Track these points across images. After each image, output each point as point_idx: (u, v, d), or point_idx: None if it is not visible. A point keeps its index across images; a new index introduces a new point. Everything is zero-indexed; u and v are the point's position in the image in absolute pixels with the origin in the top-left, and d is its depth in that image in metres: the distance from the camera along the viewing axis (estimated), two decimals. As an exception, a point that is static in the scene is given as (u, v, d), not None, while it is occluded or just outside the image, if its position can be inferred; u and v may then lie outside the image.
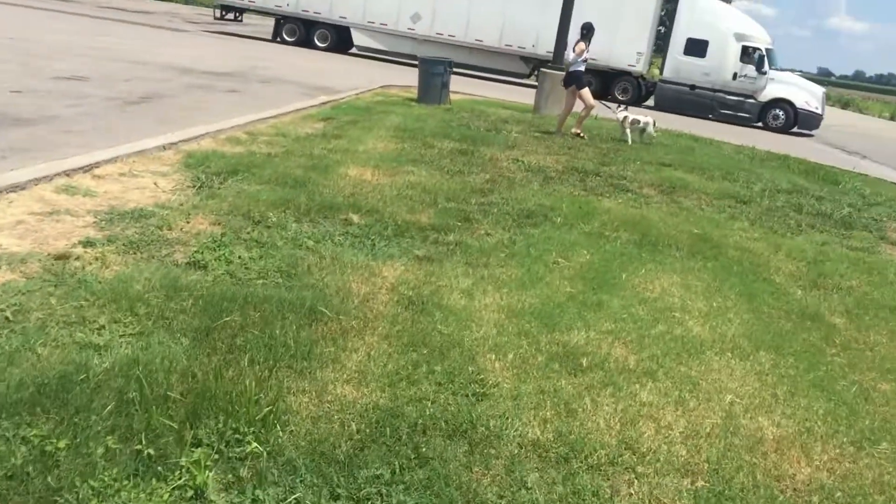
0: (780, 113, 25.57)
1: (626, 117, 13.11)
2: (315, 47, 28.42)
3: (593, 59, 27.34)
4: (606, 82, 26.74)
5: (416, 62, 26.82)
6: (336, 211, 6.19)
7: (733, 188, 9.99)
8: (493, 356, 3.89)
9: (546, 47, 26.57)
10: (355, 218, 6.10)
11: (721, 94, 25.76)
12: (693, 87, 26.07)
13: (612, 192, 8.66)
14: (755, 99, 25.61)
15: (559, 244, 6.11)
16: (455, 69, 26.55)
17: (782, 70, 27.17)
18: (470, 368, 3.72)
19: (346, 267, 4.92)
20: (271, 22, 30.80)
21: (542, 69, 17.07)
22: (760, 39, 25.81)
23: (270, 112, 11.33)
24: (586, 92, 12.92)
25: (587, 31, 12.96)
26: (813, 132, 26.02)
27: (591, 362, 3.99)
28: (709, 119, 25.15)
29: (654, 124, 13.23)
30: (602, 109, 13.26)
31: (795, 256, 6.94)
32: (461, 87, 20.53)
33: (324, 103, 13.44)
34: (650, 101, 26.64)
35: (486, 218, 6.69)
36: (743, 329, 4.86)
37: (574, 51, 12.82)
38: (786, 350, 4.60)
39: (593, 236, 6.56)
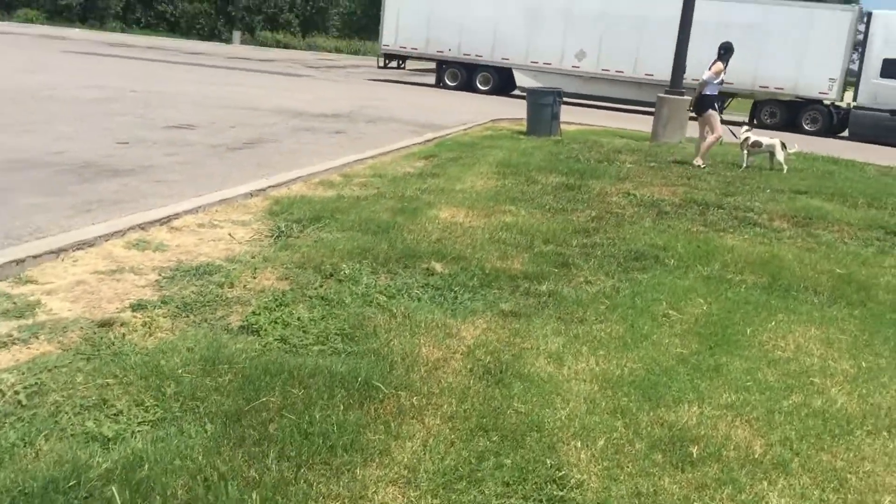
0: None
1: (746, 138, 11.96)
2: (477, 90, 28.63)
3: (779, 89, 26.65)
4: (793, 112, 25.38)
5: (582, 101, 27.47)
6: (418, 259, 5.62)
7: (881, 217, 8.77)
8: (580, 443, 3.17)
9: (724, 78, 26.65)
10: (438, 267, 5.51)
11: None
12: (893, 112, 23.68)
13: (737, 226, 7.71)
14: None
15: (671, 292, 5.29)
16: (622, 105, 27.17)
17: None
18: (548, 461, 3.02)
19: (418, 327, 4.33)
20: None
21: (659, 94, 16.07)
22: None
23: (371, 152, 11.02)
24: (714, 116, 11.83)
25: (725, 52, 11.93)
26: None
27: (704, 451, 3.20)
28: None
29: (785, 147, 11.99)
30: (727, 135, 12.19)
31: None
32: (578, 117, 19.84)
33: (428, 140, 13.06)
34: (844, 132, 24.88)
35: (588, 262, 5.95)
36: (903, 399, 3.92)
37: (710, 69, 11.77)
38: (962, 429, 3.64)
39: (712, 281, 5.69)
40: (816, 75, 24.39)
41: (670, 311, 4.90)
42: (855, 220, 8.42)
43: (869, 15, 24.34)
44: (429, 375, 3.73)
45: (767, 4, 26.60)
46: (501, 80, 28.57)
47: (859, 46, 24.97)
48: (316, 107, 17.03)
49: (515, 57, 27.89)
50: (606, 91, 26.58)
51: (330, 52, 56.38)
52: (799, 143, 13.22)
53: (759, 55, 24.71)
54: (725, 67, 11.80)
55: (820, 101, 24.68)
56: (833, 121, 24.81)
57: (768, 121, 25.65)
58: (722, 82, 11.95)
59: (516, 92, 28.47)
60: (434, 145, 12.53)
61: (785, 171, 11.67)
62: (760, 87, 25.39)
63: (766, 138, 12.08)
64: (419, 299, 4.86)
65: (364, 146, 11.64)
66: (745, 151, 11.99)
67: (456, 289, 5.11)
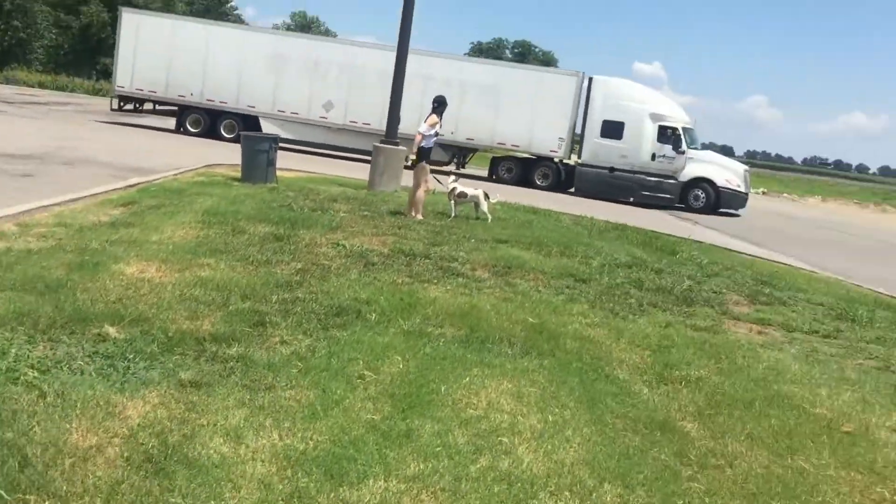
0: (701, 193, 25.33)
1: (453, 189, 12.43)
2: (222, 138, 26.94)
3: (515, 146, 27.57)
4: (527, 168, 26.78)
5: (331, 152, 26.94)
6: (89, 323, 4.93)
7: (572, 265, 9.40)
8: (246, 541, 2.79)
9: (466, 135, 26.88)
10: (112, 331, 4.86)
11: (640, 176, 25.38)
12: (612, 169, 25.63)
13: (441, 277, 7.79)
14: (675, 179, 25.27)
15: (369, 350, 5.10)
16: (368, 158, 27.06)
17: (703, 149, 27.19)
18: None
19: (72, 407, 3.70)
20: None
21: (375, 144, 16.32)
22: (677, 119, 25.82)
23: (61, 198, 9.92)
24: (426, 168, 12.06)
25: (439, 105, 12.20)
26: (739, 211, 25.76)
27: (386, 534, 2.96)
28: (630, 203, 25.10)
29: (488, 197, 12.61)
30: (437, 185, 12.57)
31: (639, 343, 6.27)
32: (303, 164, 19.58)
33: (131, 186, 12.05)
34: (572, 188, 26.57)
35: (286, 320, 5.61)
36: (584, 452, 4.00)
37: (425, 122, 12.01)
38: (634, 479, 3.76)
39: (413, 336, 5.60)
40: (547, 134, 25.95)
41: (366, 372, 4.69)
42: (549, 268, 8.93)
43: (590, 80, 26.28)
44: (74, 470, 3.14)
45: (502, 67, 28.28)
46: (248, 128, 27.17)
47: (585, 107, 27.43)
48: (2, 146, 15.14)
49: (262, 105, 27.22)
50: (355, 143, 26.41)
51: (32, 86, 51.33)
52: (501, 194, 13.99)
53: (497, 114, 26.31)
54: (440, 120, 12.16)
55: (551, 159, 26.40)
56: (561, 177, 26.51)
57: (506, 176, 27.16)
58: (437, 134, 12.29)
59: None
60: (136, 191, 11.55)
61: (489, 220, 12.23)
62: (498, 143, 26.83)
63: (471, 189, 12.62)
64: (82, 372, 4.21)
65: (54, 191, 10.45)
66: (453, 201, 12.42)
67: (130, 357, 4.51)
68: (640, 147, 25.09)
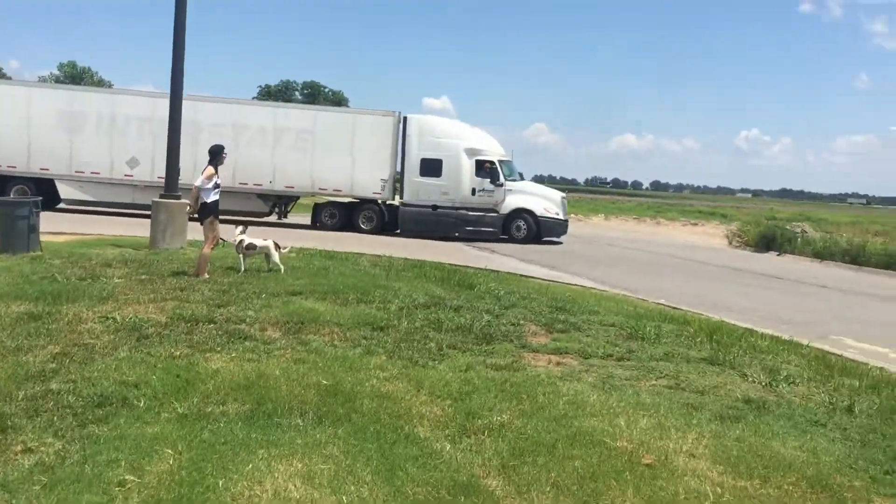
0: (522, 223, 25.47)
1: (241, 241, 11.75)
2: None
3: (337, 191, 26.49)
4: (351, 213, 26.21)
5: (125, 211, 24.65)
6: None
7: (369, 312, 9.05)
8: None
9: (284, 183, 25.95)
10: None
11: (463, 212, 25.39)
12: (435, 207, 25.51)
13: (226, 343, 7.15)
14: (497, 212, 25.40)
15: (134, 447, 4.44)
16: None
17: (521, 180, 27.16)
18: None
19: None
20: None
21: (154, 199, 15.22)
22: (493, 152, 26.00)
23: None
24: (215, 223, 11.26)
25: (213, 155, 11.36)
26: (560, 238, 26.09)
27: None
28: (455, 238, 24.89)
29: (279, 247, 12.04)
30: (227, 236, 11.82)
31: (440, 393, 5.99)
32: (83, 225, 17.93)
33: None
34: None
35: (34, 421, 4.80)
36: (382, 537, 3.60)
37: (202, 174, 11.18)
38: (438, 561, 3.41)
39: (189, 420, 4.98)
40: (369, 177, 25.55)
41: (128, 476, 4.04)
42: (345, 318, 8.52)
43: (405, 118, 26.02)
44: None
45: (316, 111, 27.36)
46: (41, 193, 24.11)
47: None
48: None
49: (57, 167, 24.88)
50: None
51: None
52: (325, 241, 13.45)
53: (315, 159, 25.67)
54: (217, 171, 11.40)
55: (374, 201, 25.88)
56: (385, 218, 26.01)
57: (329, 222, 26.40)
58: (218, 186, 11.50)
59: (63, 206, 25.13)
60: None
61: (282, 270, 11.65)
62: (320, 189, 26.08)
63: (260, 240, 11.98)
64: None
65: None
66: (242, 255, 11.74)
67: None
68: (459, 183, 25.23)
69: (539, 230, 25.53)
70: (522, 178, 27.65)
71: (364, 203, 26.26)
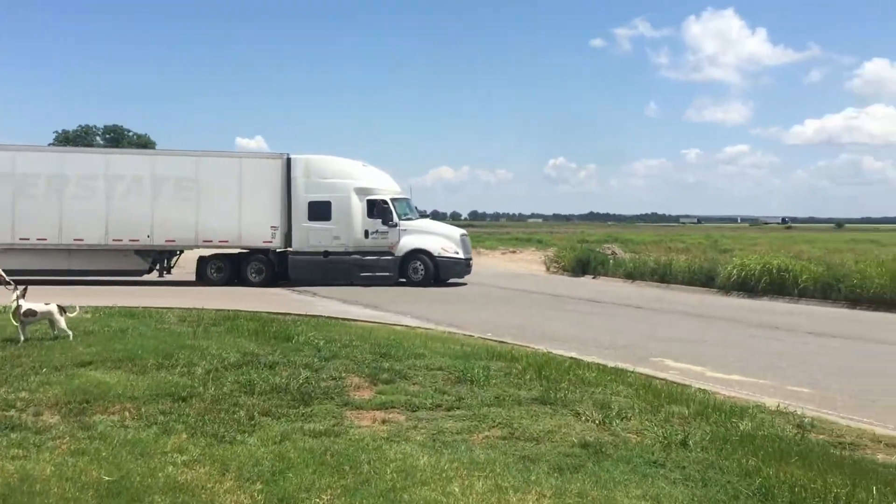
0: (420, 265, 23.99)
1: (17, 307, 10.29)
2: None
3: (224, 242, 24.03)
4: (239, 264, 24.34)
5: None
6: None
7: (170, 379, 8.01)
8: None
9: (165, 236, 23.63)
10: None
11: (357, 256, 23.92)
12: (326, 253, 23.96)
13: (-13, 438, 5.97)
14: (393, 254, 23.97)
15: None
16: (53, 278, 21.92)
17: (419, 217, 25.90)
18: None
19: None
20: None
21: None
22: (386, 190, 24.67)
23: None
24: None
25: None
26: (463, 279, 24.80)
27: None
28: (352, 285, 23.23)
29: (65, 311, 10.64)
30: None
31: (249, 476, 5.19)
32: None
33: None
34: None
35: None
36: None
37: None
38: None
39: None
40: (259, 225, 23.87)
41: None
42: (140, 391, 7.46)
43: (288, 160, 24.54)
44: None
45: (198, 157, 25.07)
46: None
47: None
48: None
49: None
50: (28, 263, 21.69)
51: None
52: (166, 299, 12.00)
53: (199, 208, 23.70)
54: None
55: (265, 251, 24.23)
56: (275, 268, 24.39)
57: (215, 275, 24.44)
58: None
59: None
60: None
61: (70, 337, 10.29)
62: (204, 241, 23.99)
63: (42, 304, 10.53)
64: None
65: None
66: (20, 322, 10.26)
67: None
68: (351, 226, 23.92)
69: (437, 271, 24.12)
70: (423, 216, 26.11)
71: (253, 253, 24.45)
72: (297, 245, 24.24)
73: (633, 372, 9.60)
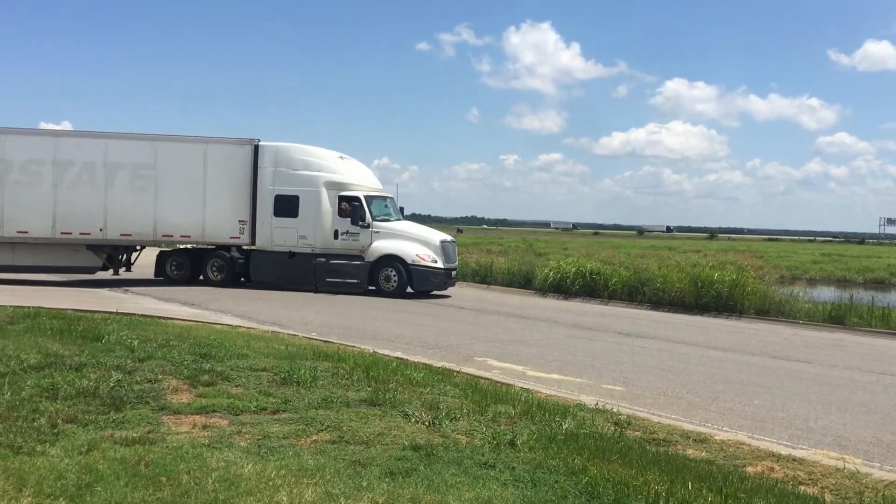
0: (392, 273, 21.21)
1: None
2: None
3: (186, 237, 21.69)
4: (199, 261, 22.30)
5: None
6: None
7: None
8: None
9: (119, 230, 20.95)
10: None
11: (323, 259, 21.48)
12: (292, 253, 21.61)
13: None
14: (363, 259, 21.45)
15: None
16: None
17: (400, 219, 23.19)
18: None
19: None
20: None
21: None
22: (362, 185, 22.23)
23: None
24: None
25: None
26: (446, 292, 22.12)
27: None
28: (317, 291, 21.09)
29: None
30: None
31: (50, 491, 4.68)
32: None
33: None
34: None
35: None
36: None
37: None
38: None
39: None
40: (225, 218, 21.67)
41: None
42: (-80, 397, 6.61)
43: (256, 147, 22.10)
44: None
45: (156, 141, 22.16)
46: None
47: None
48: None
49: None
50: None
51: None
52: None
53: (158, 199, 21.33)
54: None
55: (227, 247, 22.10)
56: (235, 268, 22.20)
57: (176, 273, 22.26)
58: None
59: None
60: None
61: None
62: (164, 235, 21.71)
63: None
64: None
65: None
66: None
67: None
68: (319, 224, 21.54)
69: (412, 281, 21.25)
70: (402, 217, 23.69)
71: (216, 250, 22.27)
72: (260, 242, 22.09)
73: (459, 372, 9.71)
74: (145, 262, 22.96)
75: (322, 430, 6.41)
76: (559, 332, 15.67)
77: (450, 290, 22.44)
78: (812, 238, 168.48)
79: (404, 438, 6.25)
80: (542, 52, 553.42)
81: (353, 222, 21.42)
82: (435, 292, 21.78)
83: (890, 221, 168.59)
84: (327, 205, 21.56)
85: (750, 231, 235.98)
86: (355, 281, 21.23)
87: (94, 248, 21.64)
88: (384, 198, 22.97)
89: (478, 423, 6.90)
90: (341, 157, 22.67)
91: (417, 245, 21.54)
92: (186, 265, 22.49)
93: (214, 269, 22.28)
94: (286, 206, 21.62)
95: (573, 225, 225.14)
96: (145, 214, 21.43)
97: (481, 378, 9.61)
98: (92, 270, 22.01)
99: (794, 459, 6.42)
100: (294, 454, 5.71)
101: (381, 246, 21.41)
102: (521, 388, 9.07)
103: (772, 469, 6.03)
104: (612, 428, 7.10)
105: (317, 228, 21.55)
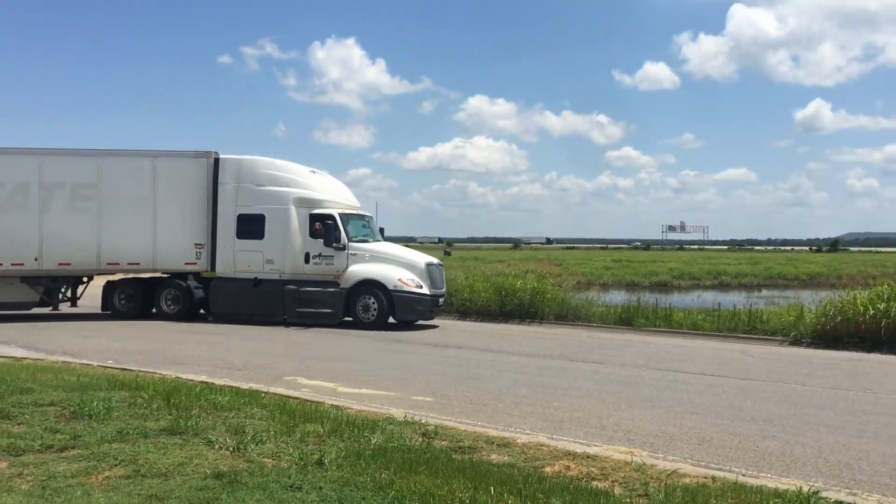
0: (371, 301, 18.40)
1: None
2: None
3: (134, 265, 18.90)
4: (151, 291, 19.79)
5: None
6: None
7: None
8: None
9: (57, 258, 18.16)
10: None
11: (293, 287, 18.76)
12: (257, 280, 19.07)
13: None
14: (338, 285, 18.67)
15: None
16: None
17: (379, 240, 20.37)
18: None
19: None
20: None
21: None
22: (336, 202, 19.60)
23: None
24: None
25: None
26: (432, 321, 19.49)
27: None
28: (286, 323, 18.58)
29: None
30: None
31: None
32: None
33: None
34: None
35: None
36: None
37: None
38: None
39: None
40: (179, 242, 19.30)
41: None
42: None
43: (216, 160, 19.51)
44: None
45: (98, 157, 19.00)
46: None
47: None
48: None
49: None
50: None
51: None
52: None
53: (102, 223, 18.95)
54: None
55: (183, 276, 19.66)
56: (193, 298, 19.58)
57: (125, 306, 19.70)
58: None
59: None
60: None
61: None
62: (109, 263, 19.21)
63: None
64: None
65: None
66: None
67: None
68: (287, 246, 18.92)
69: (393, 309, 18.54)
70: (382, 238, 20.93)
71: (170, 278, 19.70)
72: (221, 269, 19.50)
73: (267, 393, 9.48)
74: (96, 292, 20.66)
75: (115, 466, 6.02)
76: (370, 345, 15.72)
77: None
78: (605, 245, 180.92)
79: (206, 467, 6.01)
80: (348, 67, 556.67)
81: (327, 244, 18.74)
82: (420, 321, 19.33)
83: (671, 228, 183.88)
84: (297, 224, 19.03)
85: (551, 241, 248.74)
86: (329, 310, 18.66)
87: (30, 280, 19.22)
88: (362, 216, 20.56)
89: (285, 445, 6.76)
90: (313, 172, 20.42)
91: (399, 269, 18.78)
92: (137, 297, 19.99)
93: (169, 300, 19.85)
94: (250, 226, 19.19)
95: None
96: (87, 240, 19.10)
97: (290, 398, 9.43)
98: (27, 306, 19.53)
99: (589, 456, 6.81)
100: (83, 493, 5.32)
101: (359, 270, 18.68)
102: (332, 405, 8.99)
103: (568, 468, 6.36)
104: (420, 439, 7.20)
105: (285, 252, 18.99)
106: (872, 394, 10.74)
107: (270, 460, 6.30)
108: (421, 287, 18.57)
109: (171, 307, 19.74)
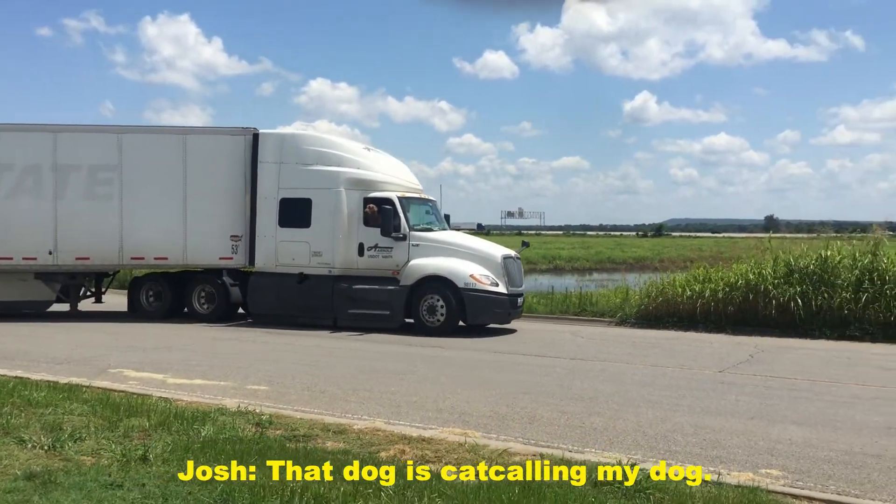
0: (438, 301, 15.25)
1: None
2: None
3: (161, 259, 16.93)
4: (181, 288, 17.36)
5: None
6: None
7: None
8: None
9: (74, 252, 16.49)
10: None
11: (345, 284, 15.84)
12: (303, 276, 16.19)
13: None
14: (398, 282, 15.56)
15: None
16: None
17: (445, 229, 17.22)
18: None
19: None
20: None
21: None
22: (394, 185, 16.49)
23: None
24: None
25: None
26: (508, 324, 16.21)
27: None
28: (336, 326, 15.69)
29: None
30: None
31: None
32: None
33: None
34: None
35: None
36: None
37: None
38: None
39: None
40: (212, 233, 16.77)
41: None
42: None
43: (255, 136, 16.76)
44: None
45: (120, 133, 16.29)
46: None
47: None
48: None
49: None
50: None
51: None
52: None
53: (124, 211, 16.59)
54: None
55: (218, 271, 17.11)
56: (229, 296, 17.07)
57: (153, 304, 17.42)
58: None
59: None
60: None
61: None
62: (133, 258, 16.82)
63: None
64: None
65: None
66: None
67: None
68: (337, 236, 15.95)
69: (464, 311, 15.32)
70: (448, 227, 17.85)
71: (202, 274, 17.26)
72: (261, 262, 16.74)
73: (89, 387, 8.98)
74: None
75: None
76: (206, 334, 15.20)
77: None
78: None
79: (17, 468, 5.61)
80: (182, 45, 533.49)
81: (385, 233, 15.77)
82: (499, 325, 16.23)
83: (510, 214, 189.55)
84: (349, 210, 16.13)
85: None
86: (386, 312, 15.70)
87: (44, 276, 17.03)
88: (425, 200, 17.52)
89: (107, 441, 6.42)
90: (367, 149, 17.48)
91: (471, 263, 15.62)
92: (166, 294, 17.56)
93: (202, 298, 17.38)
94: (295, 212, 16.43)
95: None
96: (108, 232, 16.70)
97: (115, 391, 8.97)
98: (44, 305, 17.18)
99: (424, 440, 6.91)
100: None
101: (423, 264, 15.62)
102: (160, 397, 8.63)
103: (403, 451, 6.42)
104: (254, 429, 7.05)
105: (336, 242, 16.08)
106: (688, 370, 11.54)
107: (89, 458, 5.97)
108: (497, 285, 15.50)
109: (206, 306, 17.34)
